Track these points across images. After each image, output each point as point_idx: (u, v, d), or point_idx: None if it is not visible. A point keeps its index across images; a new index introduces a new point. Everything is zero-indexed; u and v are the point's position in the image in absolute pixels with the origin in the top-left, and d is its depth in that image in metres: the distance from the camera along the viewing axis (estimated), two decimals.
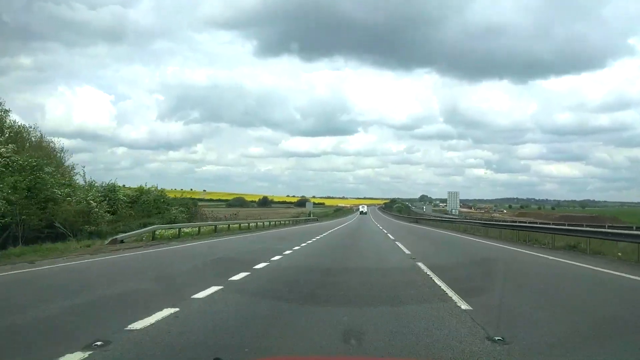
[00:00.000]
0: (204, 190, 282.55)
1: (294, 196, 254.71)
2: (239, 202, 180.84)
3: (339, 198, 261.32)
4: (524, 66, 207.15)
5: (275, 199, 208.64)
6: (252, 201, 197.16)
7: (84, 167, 23.78)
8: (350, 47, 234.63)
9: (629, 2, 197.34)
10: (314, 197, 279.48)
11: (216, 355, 2.49)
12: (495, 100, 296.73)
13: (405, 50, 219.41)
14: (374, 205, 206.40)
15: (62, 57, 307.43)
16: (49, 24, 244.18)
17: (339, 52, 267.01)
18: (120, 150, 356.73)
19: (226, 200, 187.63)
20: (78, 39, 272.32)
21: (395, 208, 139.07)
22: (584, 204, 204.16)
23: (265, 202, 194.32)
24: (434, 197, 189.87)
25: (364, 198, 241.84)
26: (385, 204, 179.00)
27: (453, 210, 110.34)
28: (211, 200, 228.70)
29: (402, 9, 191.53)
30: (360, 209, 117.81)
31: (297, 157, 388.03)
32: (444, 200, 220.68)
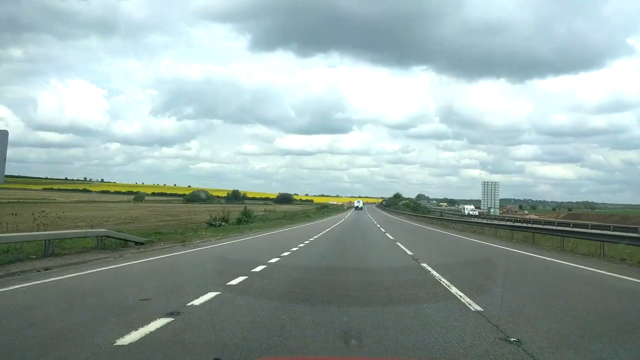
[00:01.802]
0: (189, 186, 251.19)
1: (285, 193, 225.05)
2: (199, 196, 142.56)
3: (334, 197, 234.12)
4: (521, 65, 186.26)
5: (249, 194, 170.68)
6: (220, 196, 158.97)
7: None
8: (346, 43, 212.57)
9: (628, 0, 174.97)
10: (306, 194, 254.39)
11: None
12: (492, 100, 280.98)
13: (402, 47, 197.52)
14: (371, 204, 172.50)
15: (53, 49, 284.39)
16: (39, 14, 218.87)
17: (335, 48, 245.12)
18: (114, 146, 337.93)
19: (183, 195, 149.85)
20: (70, 31, 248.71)
21: (402, 205, 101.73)
22: (589, 205, 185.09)
23: (236, 197, 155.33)
24: (430, 197, 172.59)
25: (359, 197, 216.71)
26: (386, 200, 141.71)
27: (491, 210, 73.02)
28: (168, 194, 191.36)
29: (400, 4, 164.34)
30: (355, 204, 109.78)
31: (291, 155, 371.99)
32: (442, 200, 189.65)
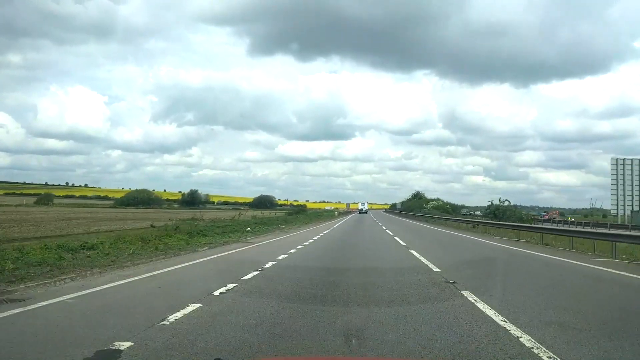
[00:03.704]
0: (180, 192, 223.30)
1: (286, 200, 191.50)
2: (138, 198, 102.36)
3: (335, 203, 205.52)
4: (525, 69, 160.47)
5: (213, 199, 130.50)
6: (170, 199, 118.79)
7: None
8: (347, 47, 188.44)
9: (636, 3, 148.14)
10: (307, 201, 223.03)
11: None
12: (496, 105, 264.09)
13: (403, 51, 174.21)
14: (376, 210, 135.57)
15: (52, 55, 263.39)
16: (38, 21, 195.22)
17: (335, 52, 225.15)
18: (115, 152, 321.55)
19: (113, 199, 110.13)
20: (69, 36, 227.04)
21: (433, 208, 61.49)
22: (598, 211, 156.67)
23: (193, 200, 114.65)
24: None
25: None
26: (403, 203, 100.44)
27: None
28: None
29: (401, 6, 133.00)
30: (360, 207, 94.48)
31: (294, 162, 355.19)
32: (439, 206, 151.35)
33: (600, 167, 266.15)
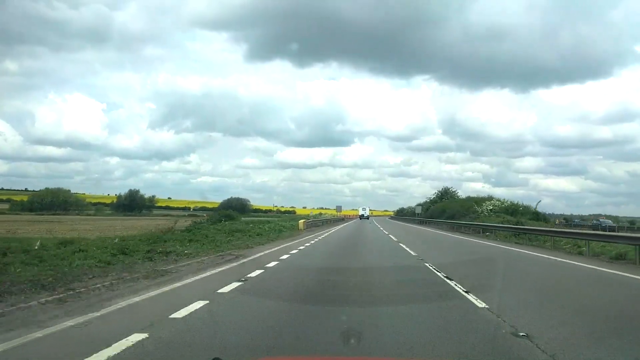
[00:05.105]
0: (169, 198, 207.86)
1: (276, 205, 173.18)
2: (45, 202, 73.34)
3: (333, 209, 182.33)
4: (525, 74, 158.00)
5: (191, 205, 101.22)
6: (105, 203, 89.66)
7: None
8: (346, 53, 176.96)
9: (637, 6, 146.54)
10: (304, 207, 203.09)
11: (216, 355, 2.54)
12: (496, 110, 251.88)
13: (403, 56, 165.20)
14: (376, 217, 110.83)
15: (50, 62, 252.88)
16: (34, 26, 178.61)
17: (334, 58, 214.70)
18: (114, 160, 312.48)
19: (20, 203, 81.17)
20: (65, 43, 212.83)
21: (495, 210, 33.66)
22: (597, 217, 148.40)
23: (132, 204, 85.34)
24: None
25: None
26: (423, 205, 70.32)
27: None
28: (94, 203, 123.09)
29: (400, 11, 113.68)
30: (361, 213, 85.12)
31: (292, 169, 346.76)
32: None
33: (600, 174, 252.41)
